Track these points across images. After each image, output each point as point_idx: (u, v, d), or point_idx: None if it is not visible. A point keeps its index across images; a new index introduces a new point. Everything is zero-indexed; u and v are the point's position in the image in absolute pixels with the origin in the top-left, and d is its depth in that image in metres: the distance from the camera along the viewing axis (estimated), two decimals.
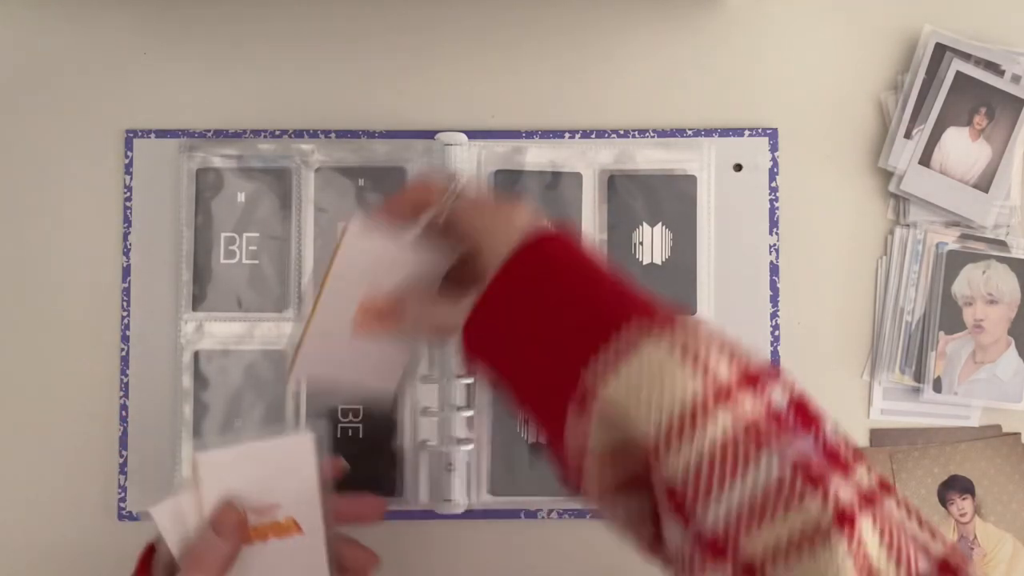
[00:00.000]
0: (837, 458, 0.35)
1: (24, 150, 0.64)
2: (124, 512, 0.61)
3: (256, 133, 0.63)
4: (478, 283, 0.42)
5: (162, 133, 0.63)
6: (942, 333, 0.62)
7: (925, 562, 0.34)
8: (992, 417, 0.63)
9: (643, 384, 0.36)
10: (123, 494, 0.62)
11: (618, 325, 0.37)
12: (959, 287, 0.62)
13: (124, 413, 0.62)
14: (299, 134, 0.63)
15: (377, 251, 0.47)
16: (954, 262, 0.62)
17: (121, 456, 0.62)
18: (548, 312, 0.39)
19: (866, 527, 0.33)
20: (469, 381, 0.61)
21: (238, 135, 0.63)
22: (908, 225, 0.63)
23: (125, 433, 0.62)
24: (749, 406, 0.35)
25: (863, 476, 0.35)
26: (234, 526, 0.46)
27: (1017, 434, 0.62)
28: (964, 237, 0.63)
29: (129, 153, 0.63)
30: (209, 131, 0.63)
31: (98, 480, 0.62)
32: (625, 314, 0.38)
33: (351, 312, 0.48)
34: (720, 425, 0.35)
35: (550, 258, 0.41)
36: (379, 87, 0.64)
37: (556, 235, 0.42)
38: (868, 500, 0.34)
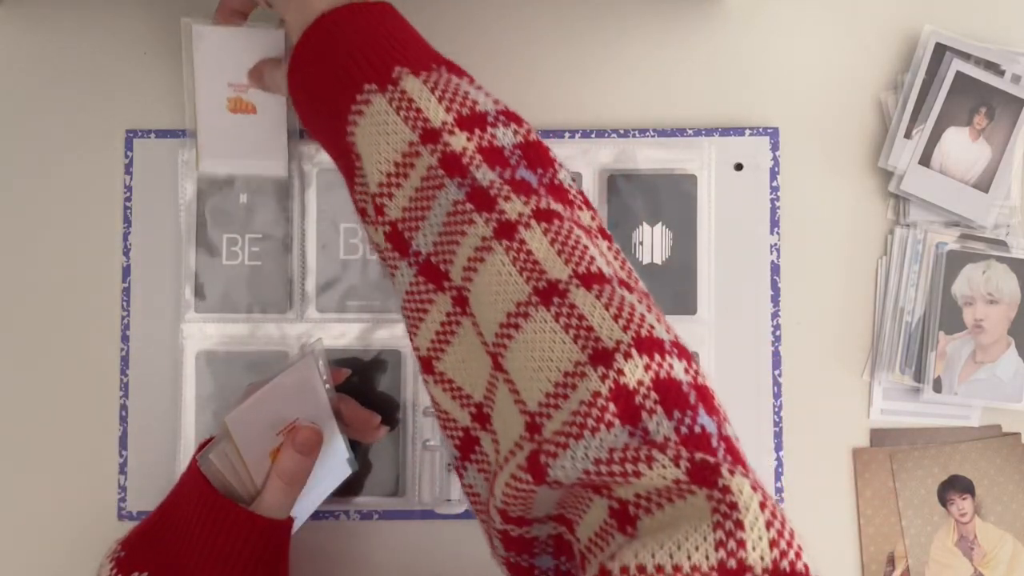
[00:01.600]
0: (560, 192, 0.43)
1: (24, 150, 0.64)
2: (124, 512, 0.61)
3: None
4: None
5: (162, 133, 0.63)
6: (942, 333, 0.62)
7: (605, 267, 0.39)
8: (992, 417, 0.63)
9: (373, 135, 0.44)
10: (123, 494, 0.62)
11: (360, 86, 0.45)
12: (959, 287, 0.62)
13: (124, 413, 0.62)
14: (300, 134, 0.63)
15: (229, 47, 0.57)
16: (954, 262, 0.62)
17: (121, 456, 0.62)
18: (322, 81, 0.47)
19: (531, 235, 0.40)
20: None
21: None
22: (908, 225, 0.63)
23: (125, 433, 0.62)
24: (456, 144, 0.42)
25: (584, 217, 0.42)
26: (314, 445, 0.53)
27: (1017, 434, 0.63)
28: (964, 237, 0.63)
29: (129, 153, 0.63)
30: None
31: (98, 480, 0.62)
32: (366, 74, 0.45)
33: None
34: (422, 162, 0.42)
35: (327, 32, 0.47)
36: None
37: (338, 11, 0.47)
38: (547, 216, 0.40)
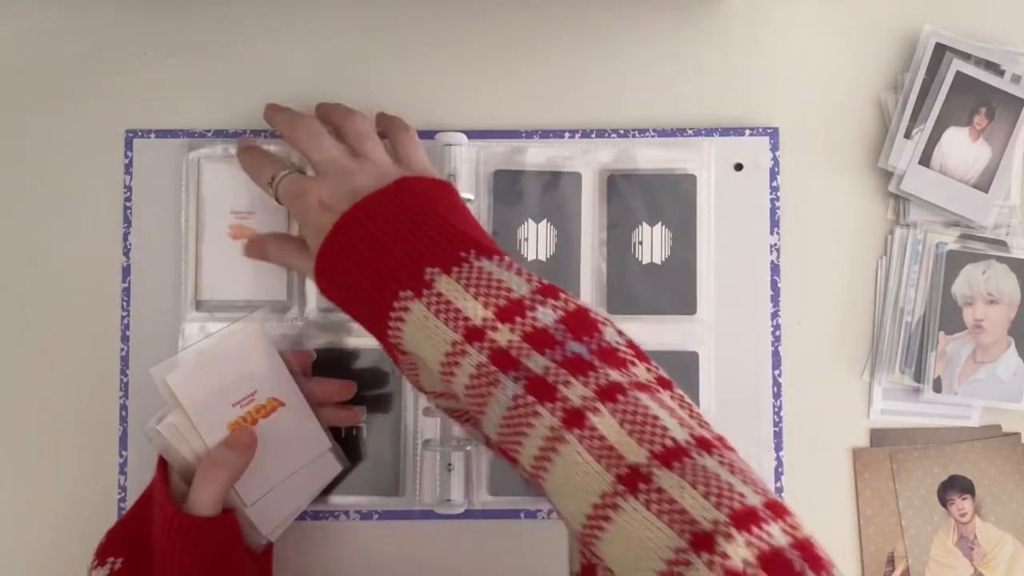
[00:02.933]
0: (613, 356, 0.42)
1: (24, 150, 0.64)
2: (124, 512, 0.61)
3: (256, 133, 0.63)
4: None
5: (162, 133, 0.63)
6: (942, 333, 0.62)
7: (680, 435, 0.39)
8: (992, 417, 0.63)
9: (422, 338, 0.45)
10: (123, 494, 0.62)
11: (396, 294, 0.46)
12: (959, 287, 0.62)
13: (124, 413, 0.62)
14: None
15: (210, 371, 0.54)
16: (954, 262, 0.62)
17: (121, 456, 0.62)
18: (354, 283, 0.48)
19: (600, 419, 0.39)
20: None
21: (238, 135, 0.63)
22: (908, 225, 0.63)
23: (125, 433, 0.62)
24: (502, 338, 0.43)
25: (641, 371, 0.42)
26: (247, 443, 0.53)
27: (1017, 434, 0.63)
28: (964, 237, 0.63)
29: (129, 153, 0.63)
30: (209, 131, 0.63)
31: (98, 480, 0.62)
32: (399, 281, 0.46)
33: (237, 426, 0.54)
34: (470, 361, 0.43)
35: (342, 248, 0.48)
36: (379, 87, 0.64)
37: (357, 211, 0.48)
38: (611, 393, 0.40)
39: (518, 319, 0.44)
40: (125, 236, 0.63)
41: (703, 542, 0.35)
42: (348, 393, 0.60)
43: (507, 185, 0.63)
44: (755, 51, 0.65)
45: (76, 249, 0.63)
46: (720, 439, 0.41)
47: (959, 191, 0.62)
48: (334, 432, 0.60)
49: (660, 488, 0.37)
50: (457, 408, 0.50)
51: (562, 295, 0.45)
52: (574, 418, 0.39)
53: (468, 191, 0.62)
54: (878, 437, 0.63)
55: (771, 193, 0.63)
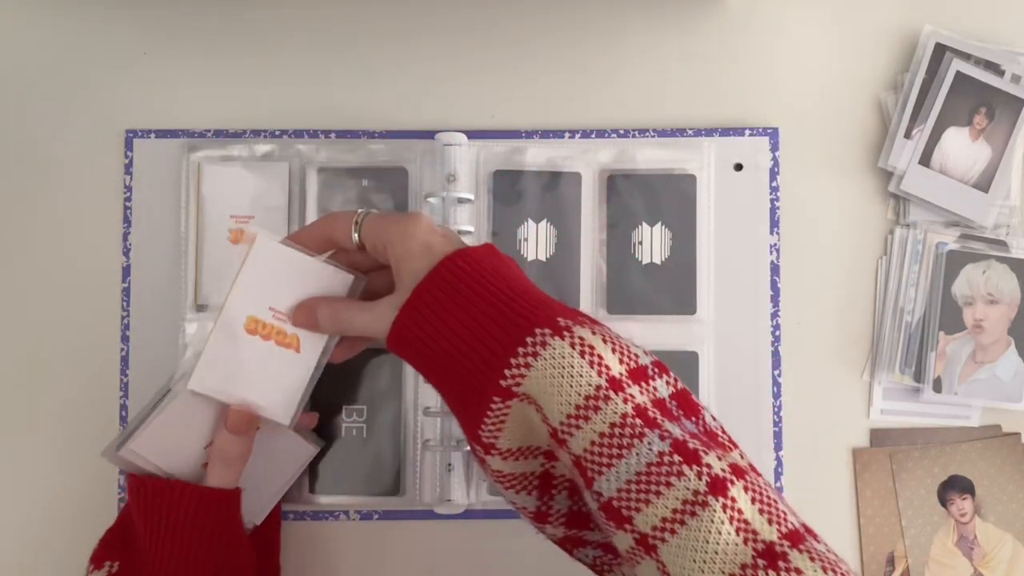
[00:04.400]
0: (716, 439, 0.43)
1: (24, 150, 0.64)
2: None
3: (256, 133, 0.63)
4: (394, 293, 0.48)
5: (162, 133, 0.63)
6: (942, 333, 0.62)
7: (795, 520, 0.40)
8: (992, 417, 0.63)
9: (553, 376, 0.43)
10: (123, 494, 0.62)
11: (531, 330, 0.43)
12: (959, 287, 0.62)
13: (124, 413, 0.62)
14: (299, 134, 0.63)
15: (285, 266, 0.51)
16: (954, 262, 0.62)
17: None
18: (466, 320, 0.45)
19: (738, 492, 0.40)
20: None
21: (238, 135, 0.63)
22: (908, 225, 0.63)
23: None
24: (638, 397, 0.42)
25: (738, 456, 0.42)
26: (247, 422, 0.52)
27: (1017, 434, 0.62)
28: (964, 237, 0.63)
29: (129, 153, 0.63)
30: (209, 131, 0.63)
31: (98, 480, 0.62)
32: (535, 319, 0.44)
33: (256, 321, 0.52)
34: (614, 408, 0.42)
35: (465, 272, 0.46)
36: (379, 87, 0.64)
37: (468, 252, 0.46)
38: (740, 472, 0.41)
39: (643, 384, 0.43)
40: (125, 236, 0.63)
41: None
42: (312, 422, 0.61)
43: (507, 185, 0.63)
44: (755, 51, 0.65)
45: (76, 249, 0.63)
46: (811, 528, 0.42)
47: (959, 191, 0.62)
48: (339, 430, 0.60)
49: (798, 568, 0.38)
50: (524, 472, 0.47)
51: (671, 373, 0.45)
52: (718, 486, 0.40)
53: (468, 191, 0.62)
54: (878, 437, 0.63)
55: (771, 193, 0.63)
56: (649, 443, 0.41)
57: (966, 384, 0.62)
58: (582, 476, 0.43)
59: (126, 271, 0.63)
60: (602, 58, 0.65)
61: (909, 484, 0.62)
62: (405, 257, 0.47)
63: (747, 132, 0.63)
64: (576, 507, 0.49)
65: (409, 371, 0.62)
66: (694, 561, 0.39)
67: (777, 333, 0.62)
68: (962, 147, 0.62)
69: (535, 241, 0.62)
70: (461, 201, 0.61)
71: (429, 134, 0.62)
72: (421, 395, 0.62)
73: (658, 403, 0.43)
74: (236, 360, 0.51)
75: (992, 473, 0.62)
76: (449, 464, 0.60)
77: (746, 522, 0.39)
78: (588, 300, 0.62)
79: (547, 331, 0.43)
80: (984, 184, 0.62)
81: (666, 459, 0.40)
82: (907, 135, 0.63)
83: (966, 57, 0.63)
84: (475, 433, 0.46)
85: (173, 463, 0.53)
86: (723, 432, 0.44)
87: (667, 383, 0.44)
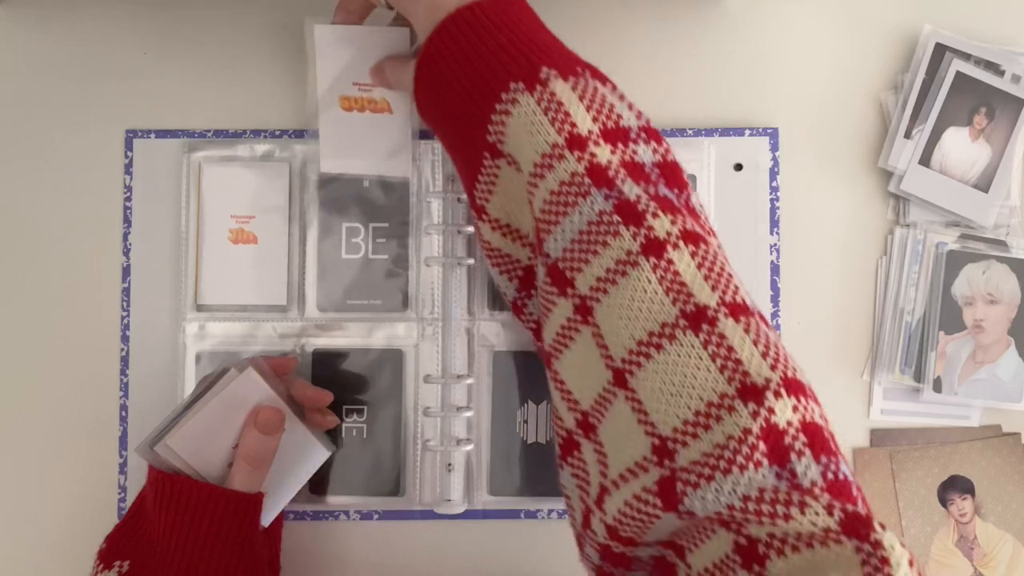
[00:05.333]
0: (693, 213, 0.42)
1: (24, 150, 0.64)
2: (124, 512, 0.61)
3: (256, 133, 0.63)
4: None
5: (162, 133, 0.63)
6: (942, 333, 0.62)
7: (747, 300, 0.39)
8: (992, 417, 0.63)
9: (522, 134, 0.43)
10: (123, 494, 0.62)
11: (506, 84, 0.44)
12: (959, 287, 0.62)
13: (124, 413, 0.62)
14: (299, 134, 0.63)
15: (347, 42, 0.57)
16: (954, 262, 0.62)
17: (121, 456, 0.62)
18: (460, 77, 0.46)
19: (678, 256, 0.39)
20: (470, 381, 0.61)
21: (238, 135, 0.63)
22: (908, 225, 0.63)
23: (125, 433, 0.62)
24: (602, 155, 0.42)
25: (704, 232, 0.41)
26: (278, 422, 0.53)
27: (1017, 434, 0.63)
28: (964, 237, 0.63)
29: (129, 153, 0.63)
30: (209, 131, 0.63)
31: (98, 480, 0.62)
32: (512, 71, 0.44)
33: (347, 99, 0.58)
34: (565, 167, 0.42)
35: (460, 31, 0.46)
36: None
37: (468, 9, 0.47)
38: (693, 238, 0.40)
39: (620, 145, 0.43)
40: (125, 236, 0.63)
41: (752, 393, 0.36)
42: (324, 401, 0.60)
43: None
44: (755, 51, 0.65)
45: (76, 249, 0.63)
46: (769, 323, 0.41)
47: (959, 191, 0.62)
48: (339, 430, 0.60)
49: (722, 334, 0.37)
50: (508, 254, 0.49)
51: (664, 143, 0.45)
52: (654, 247, 0.39)
53: None
54: (878, 437, 0.63)
55: (771, 193, 0.63)
56: (592, 202, 0.41)
57: (966, 384, 0.62)
58: (538, 240, 0.43)
59: (126, 271, 0.63)
60: (602, 58, 0.64)
61: (909, 484, 0.62)
62: (416, 16, 0.49)
63: (747, 132, 0.63)
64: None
65: (409, 371, 0.62)
66: (620, 319, 0.39)
67: (777, 333, 0.62)
68: (962, 147, 0.62)
69: None
70: (461, 201, 0.61)
71: (429, 134, 0.62)
72: (421, 395, 0.62)
73: (630, 165, 0.43)
74: (348, 136, 0.58)
75: (992, 473, 0.62)
76: (449, 464, 0.60)
77: (681, 284, 0.38)
78: None
79: (520, 86, 0.44)
80: (984, 184, 0.62)
81: (605, 218, 0.40)
82: (907, 135, 0.63)
83: (966, 57, 0.63)
84: (472, 194, 0.48)
85: (202, 462, 0.53)
86: (705, 218, 0.44)
87: (654, 151, 0.44)
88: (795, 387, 0.36)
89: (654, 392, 0.37)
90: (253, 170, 0.62)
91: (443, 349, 0.61)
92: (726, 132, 0.63)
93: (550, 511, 0.62)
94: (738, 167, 0.63)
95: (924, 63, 0.63)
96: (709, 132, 0.63)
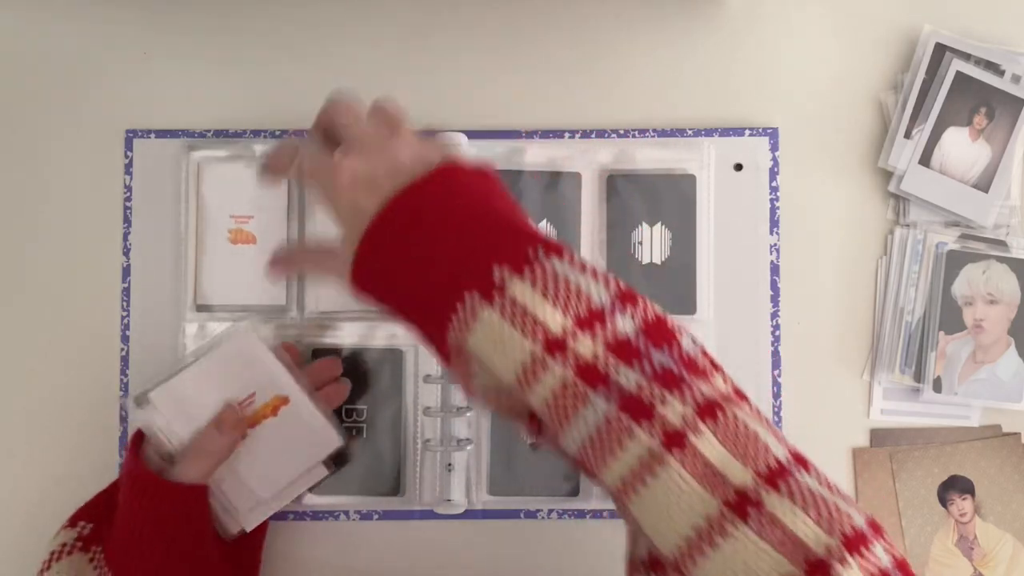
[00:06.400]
0: (694, 366, 0.40)
1: (24, 150, 0.64)
2: None
3: (256, 133, 0.63)
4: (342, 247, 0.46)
5: (162, 133, 0.63)
6: (942, 333, 0.62)
7: (780, 452, 0.38)
8: (992, 417, 0.63)
9: (489, 350, 0.41)
10: None
11: (460, 296, 0.41)
12: (959, 287, 0.62)
13: (124, 413, 0.62)
14: (299, 134, 0.63)
15: (198, 390, 0.55)
16: (954, 262, 0.62)
17: (121, 456, 0.62)
18: (404, 294, 0.44)
19: (702, 440, 0.37)
20: None
21: (238, 135, 0.63)
22: (908, 225, 0.63)
23: (125, 433, 0.62)
24: (585, 349, 0.39)
25: (720, 382, 0.40)
26: (233, 423, 0.54)
27: (1017, 434, 0.62)
28: (964, 237, 0.63)
29: (129, 153, 0.63)
30: (209, 131, 0.63)
31: (98, 480, 0.62)
32: (463, 280, 0.41)
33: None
34: (552, 376, 0.39)
35: (391, 238, 0.44)
36: (379, 87, 0.64)
37: (393, 213, 0.44)
38: (709, 410, 0.38)
39: (598, 328, 0.40)
40: (125, 236, 0.63)
41: (817, 568, 0.35)
42: (338, 368, 0.60)
43: (507, 185, 0.62)
44: (755, 51, 0.65)
45: (76, 249, 0.63)
46: (804, 456, 0.40)
47: (959, 191, 0.62)
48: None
49: (772, 514, 0.36)
50: (516, 407, 0.45)
51: (640, 301, 0.42)
52: (675, 439, 0.38)
53: None
54: (878, 437, 0.62)
55: (771, 193, 0.63)
56: (593, 408, 0.39)
57: (966, 384, 0.62)
58: (553, 433, 0.41)
59: (126, 271, 0.63)
60: (602, 58, 0.65)
61: (909, 484, 0.62)
62: (338, 222, 0.46)
63: (747, 132, 0.63)
64: None
65: (409, 371, 0.62)
66: (660, 519, 0.38)
67: (777, 333, 0.62)
68: (962, 147, 0.62)
69: None
70: None
71: (429, 134, 0.62)
72: (421, 395, 0.62)
73: (615, 346, 0.40)
74: (257, 457, 0.55)
75: (992, 473, 0.62)
76: (449, 464, 0.60)
77: (713, 469, 0.37)
78: None
79: (475, 296, 0.41)
80: (984, 184, 0.62)
81: (614, 421, 0.38)
82: (907, 135, 0.63)
83: (966, 57, 0.63)
84: (447, 370, 0.46)
85: (186, 424, 0.53)
86: (704, 355, 0.41)
87: (633, 316, 0.41)
88: (856, 541, 0.36)
89: None
90: (253, 170, 0.62)
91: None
92: (726, 132, 0.63)
93: (550, 511, 0.62)
94: (738, 167, 0.63)
95: (924, 63, 0.63)
96: (709, 132, 0.63)
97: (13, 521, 0.62)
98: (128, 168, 0.63)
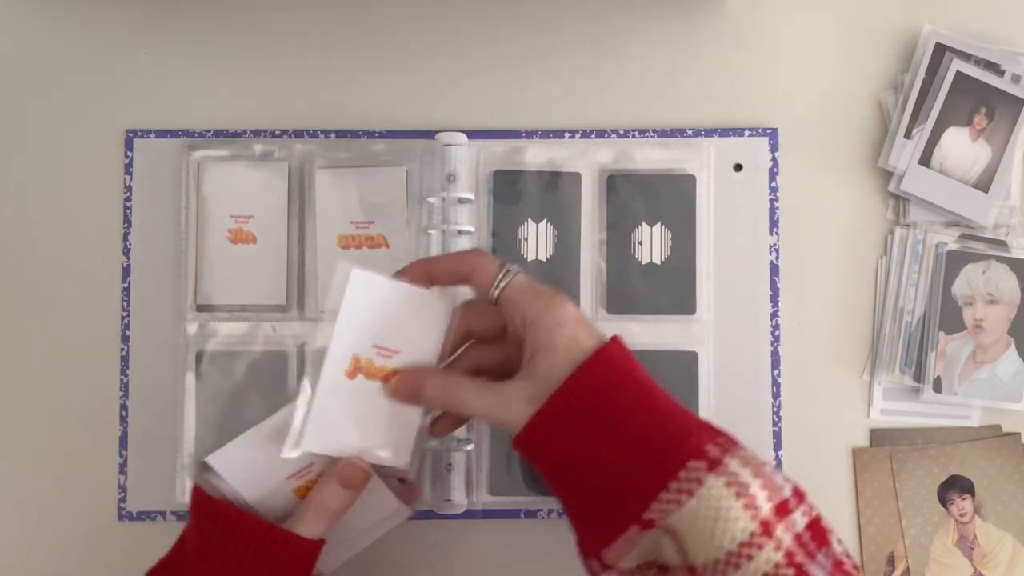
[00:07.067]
0: (842, 568, 0.41)
1: (24, 150, 0.64)
2: (124, 512, 0.61)
3: (256, 133, 0.63)
4: (519, 372, 0.45)
5: (162, 133, 0.63)
6: (942, 333, 0.62)
7: None
8: (992, 417, 0.63)
9: (706, 519, 0.40)
10: (123, 494, 0.62)
11: (683, 463, 0.41)
12: (959, 287, 0.62)
13: (124, 413, 0.62)
14: (299, 134, 0.63)
15: (386, 298, 0.48)
16: (954, 262, 0.62)
17: (121, 456, 0.62)
18: (613, 441, 0.42)
19: None
20: None
21: (238, 135, 0.63)
22: (908, 225, 0.63)
23: (125, 433, 0.62)
24: (785, 538, 0.40)
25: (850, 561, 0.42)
26: (360, 481, 0.48)
27: (1017, 434, 0.62)
28: (964, 237, 0.63)
29: (129, 153, 0.63)
30: (209, 131, 0.63)
31: (98, 480, 0.62)
32: (686, 448, 0.41)
33: (359, 361, 0.48)
34: (767, 557, 0.40)
35: (611, 384, 0.43)
36: (379, 87, 0.64)
37: (610, 356, 0.43)
38: None
39: (787, 520, 0.41)
40: (125, 236, 0.63)
41: None
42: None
43: (507, 185, 0.63)
44: (755, 51, 0.64)
45: (76, 249, 0.63)
46: None
47: (959, 191, 0.62)
48: None
49: None
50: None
51: (806, 498, 0.43)
52: None
53: (468, 191, 0.62)
54: (878, 437, 0.62)
55: (770, 193, 0.63)
56: None
57: (966, 384, 0.62)
58: None
59: (126, 271, 0.63)
60: (602, 58, 0.65)
61: (909, 484, 0.62)
62: (547, 348, 0.43)
63: (747, 132, 0.63)
64: None
65: None
66: None
67: (777, 333, 0.62)
68: (962, 147, 0.62)
69: (535, 241, 0.62)
70: (461, 201, 0.61)
71: (429, 134, 0.62)
72: None
73: (799, 539, 0.41)
74: (344, 407, 0.47)
75: (992, 473, 0.62)
76: (449, 464, 0.60)
77: None
78: (588, 300, 0.62)
79: (701, 465, 0.41)
80: (984, 184, 0.62)
81: None
82: (907, 135, 0.63)
83: (966, 57, 0.63)
84: (596, 551, 0.43)
85: (251, 489, 0.48)
86: (848, 557, 0.42)
87: (803, 513, 0.42)
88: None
89: None
90: (253, 170, 0.62)
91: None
92: (726, 132, 0.63)
93: (550, 511, 0.62)
94: (738, 167, 0.63)
95: (924, 63, 0.63)
96: (709, 132, 0.63)
97: (13, 521, 0.62)
98: (128, 168, 0.63)
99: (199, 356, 0.62)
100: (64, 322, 0.63)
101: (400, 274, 0.49)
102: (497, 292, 0.46)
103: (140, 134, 0.63)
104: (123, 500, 0.62)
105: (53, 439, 0.62)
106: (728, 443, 0.42)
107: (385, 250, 0.61)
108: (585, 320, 0.45)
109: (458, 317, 0.49)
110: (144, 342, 0.62)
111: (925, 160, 0.62)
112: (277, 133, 0.63)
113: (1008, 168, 0.62)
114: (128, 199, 0.63)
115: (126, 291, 0.63)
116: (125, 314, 0.62)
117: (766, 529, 0.40)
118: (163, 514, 0.61)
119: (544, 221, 0.63)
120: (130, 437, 0.62)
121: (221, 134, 0.63)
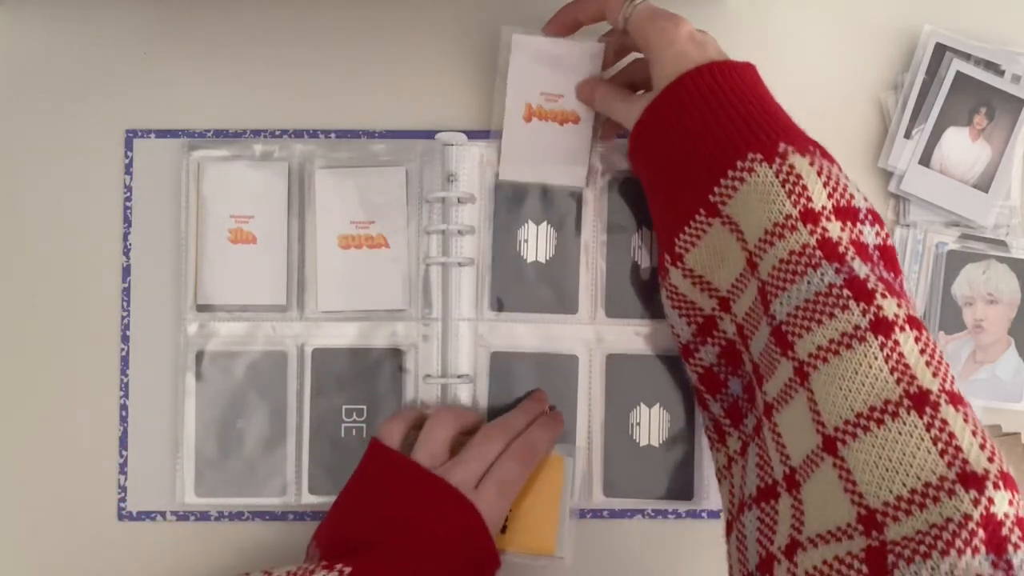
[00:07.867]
0: (906, 298, 0.43)
1: (24, 150, 0.64)
2: (124, 512, 0.62)
3: (256, 133, 0.63)
4: (649, 90, 0.52)
5: (162, 133, 0.63)
6: (942, 333, 0.62)
7: (962, 394, 0.40)
8: (992, 417, 0.63)
9: (752, 202, 0.46)
10: (123, 494, 0.62)
11: (744, 153, 0.46)
12: (959, 287, 0.62)
13: (124, 413, 0.62)
14: (299, 134, 0.63)
15: (543, 53, 0.59)
16: (954, 262, 0.62)
17: (121, 456, 0.62)
18: (693, 133, 0.48)
19: (905, 339, 0.40)
20: (469, 384, 0.61)
21: (238, 135, 0.63)
22: (908, 225, 0.63)
23: (125, 433, 0.62)
24: (833, 231, 0.44)
25: (920, 322, 0.42)
26: (533, 457, 0.55)
27: (1017, 434, 0.62)
28: (964, 237, 0.63)
29: (129, 153, 0.63)
30: (209, 131, 0.63)
31: (98, 480, 0.62)
32: (752, 142, 0.46)
33: (532, 108, 0.59)
34: (797, 238, 0.44)
35: (706, 86, 0.49)
36: (379, 87, 0.64)
37: (714, 67, 0.49)
38: (917, 325, 0.41)
39: (849, 224, 0.45)
40: (125, 236, 0.63)
41: (972, 481, 0.37)
42: (545, 401, 0.61)
43: (507, 186, 0.62)
44: (755, 51, 0.64)
45: (76, 249, 0.63)
46: None
47: (959, 191, 0.62)
48: (338, 430, 0.60)
49: (944, 419, 0.38)
50: (693, 301, 0.52)
51: (884, 226, 0.47)
52: (882, 326, 0.40)
53: (468, 191, 0.62)
54: None
55: None
56: (822, 274, 0.42)
57: (966, 384, 0.62)
58: (763, 302, 0.45)
59: (126, 271, 0.63)
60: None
61: None
62: (660, 61, 0.50)
63: None
64: (718, 368, 0.53)
65: (410, 371, 0.62)
66: (839, 389, 0.40)
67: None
68: (962, 147, 0.62)
69: (535, 243, 0.62)
70: (461, 201, 0.61)
71: (429, 134, 0.62)
72: (421, 395, 0.62)
73: (857, 244, 0.44)
74: (529, 144, 0.60)
75: None
76: None
77: (906, 366, 0.40)
78: (587, 302, 0.62)
79: (758, 156, 0.46)
80: (984, 184, 0.62)
81: (835, 291, 0.42)
82: (907, 135, 0.63)
83: (966, 57, 0.63)
84: (671, 240, 0.51)
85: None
86: (914, 305, 0.46)
87: (876, 234, 0.46)
88: (1010, 482, 0.38)
89: (868, 464, 0.39)
90: (253, 170, 0.62)
91: (443, 349, 0.61)
92: None
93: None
94: None
95: (924, 63, 0.63)
96: None
97: (13, 521, 0.62)
98: (128, 168, 0.63)
99: (199, 356, 0.62)
100: (64, 322, 0.63)
101: (549, 27, 0.58)
102: (624, 21, 0.53)
103: (140, 134, 0.63)
104: (123, 500, 0.62)
105: (53, 439, 0.62)
106: (808, 145, 0.47)
107: (385, 250, 0.62)
108: (697, 39, 0.51)
109: (613, 46, 0.58)
110: (144, 342, 0.62)
111: (925, 160, 0.62)
112: (277, 133, 0.63)
113: (1008, 168, 0.62)
114: (128, 199, 0.63)
115: (126, 291, 0.63)
116: (125, 314, 0.62)
117: (808, 216, 0.44)
118: (163, 514, 0.61)
119: (544, 223, 0.63)
120: (130, 437, 0.62)
121: (221, 134, 0.63)
